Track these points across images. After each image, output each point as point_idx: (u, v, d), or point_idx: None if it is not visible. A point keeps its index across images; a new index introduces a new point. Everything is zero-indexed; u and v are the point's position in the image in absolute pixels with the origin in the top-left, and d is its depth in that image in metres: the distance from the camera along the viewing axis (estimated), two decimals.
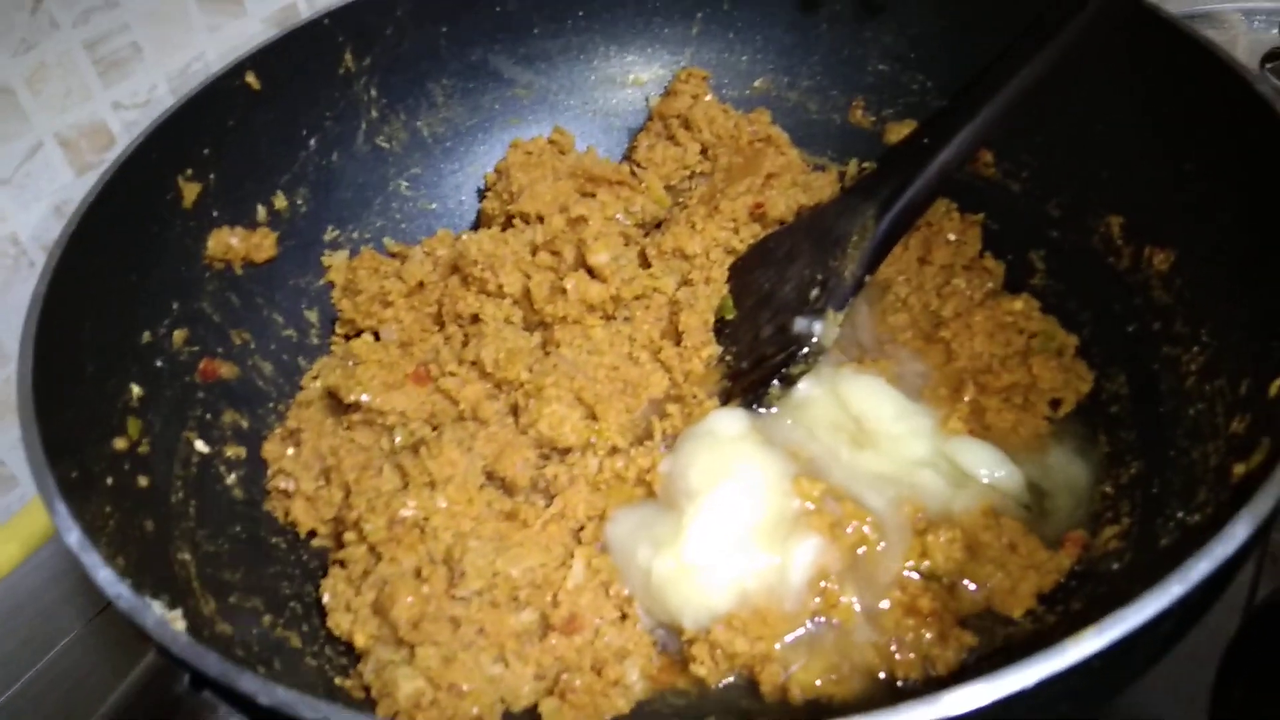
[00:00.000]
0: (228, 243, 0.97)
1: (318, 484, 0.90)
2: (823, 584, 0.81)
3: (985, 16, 1.02)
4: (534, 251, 1.00)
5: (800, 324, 0.94)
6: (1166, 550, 0.73)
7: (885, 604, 0.80)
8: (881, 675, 0.78)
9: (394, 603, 0.76)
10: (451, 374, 0.94)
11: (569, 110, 1.21)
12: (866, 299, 1.02)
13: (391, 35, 1.09)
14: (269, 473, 0.92)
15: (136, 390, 0.84)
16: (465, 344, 0.97)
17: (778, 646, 0.79)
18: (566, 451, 0.91)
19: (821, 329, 0.94)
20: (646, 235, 1.10)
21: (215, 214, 0.97)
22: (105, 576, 0.59)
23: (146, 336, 0.88)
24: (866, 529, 0.82)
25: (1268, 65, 1.25)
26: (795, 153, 1.14)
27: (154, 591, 0.64)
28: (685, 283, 1.02)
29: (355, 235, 1.11)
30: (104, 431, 0.79)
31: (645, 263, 1.05)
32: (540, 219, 1.04)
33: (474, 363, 0.94)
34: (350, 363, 0.97)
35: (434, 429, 0.92)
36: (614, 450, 0.91)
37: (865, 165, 1.15)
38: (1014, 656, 0.51)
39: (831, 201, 1.07)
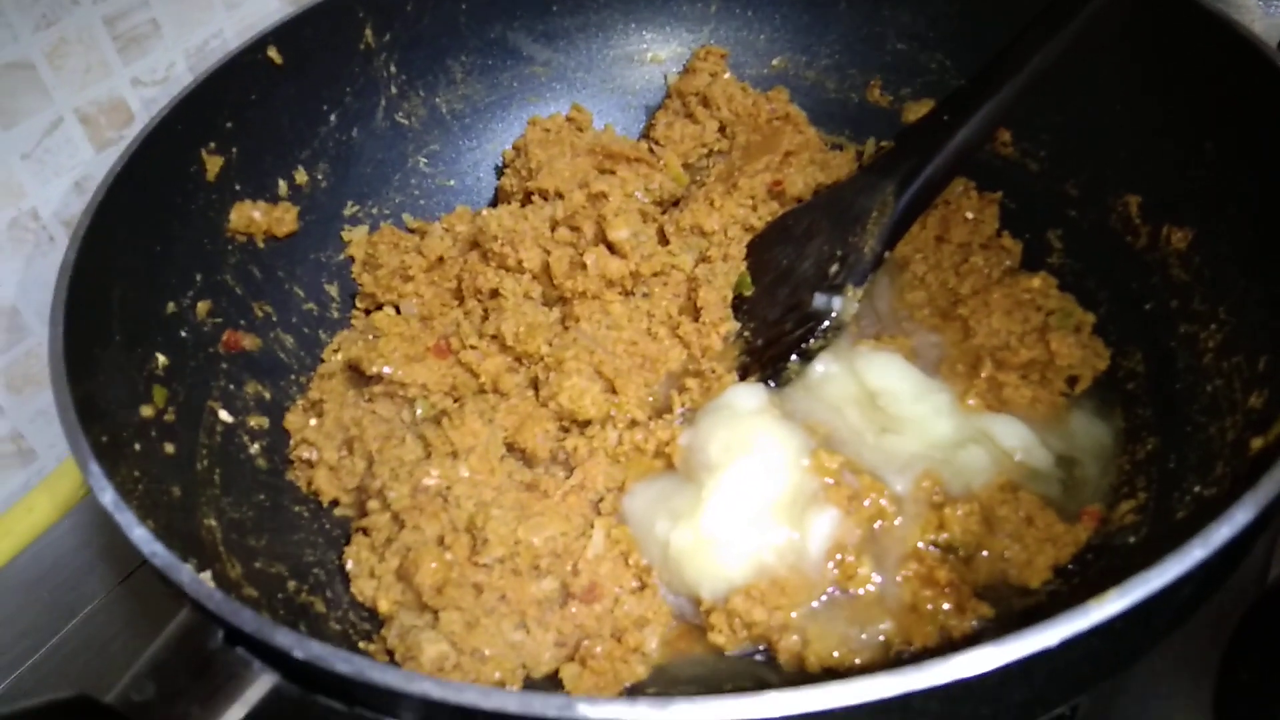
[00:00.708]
0: (250, 216, 0.98)
1: (340, 454, 0.90)
2: (840, 556, 0.81)
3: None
4: (553, 227, 1.01)
5: (819, 300, 0.95)
6: (1183, 523, 0.74)
7: (902, 575, 0.81)
8: (898, 645, 0.79)
9: (418, 569, 0.77)
10: (472, 347, 0.94)
11: (587, 88, 1.22)
12: (884, 276, 1.02)
13: (412, 11, 1.09)
14: (292, 443, 0.93)
15: (162, 359, 0.85)
16: (485, 318, 0.98)
17: (795, 616, 0.80)
18: (586, 424, 0.91)
19: (840, 305, 0.94)
20: (664, 212, 1.11)
21: (237, 187, 0.98)
22: (140, 535, 0.60)
23: (171, 307, 0.89)
24: (884, 502, 0.83)
25: None
26: (813, 131, 1.14)
27: (182, 555, 0.65)
28: (703, 259, 1.03)
29: (374, 211, 1.12)
30: (131, 399, 0.80)
31: (663, 239, 1.05)
32: (559, 195, 1.05)
33: (494, 336, 0.95)
34: (371, 336, 0.98)
35: (455, 401, 0.93)
36: (633, 423, 0.91)
37: (883, 144, 1.15)
38: (1030, 626, 0.51)
39: (850, 178, 1.08)
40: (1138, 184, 0.95)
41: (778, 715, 0.49)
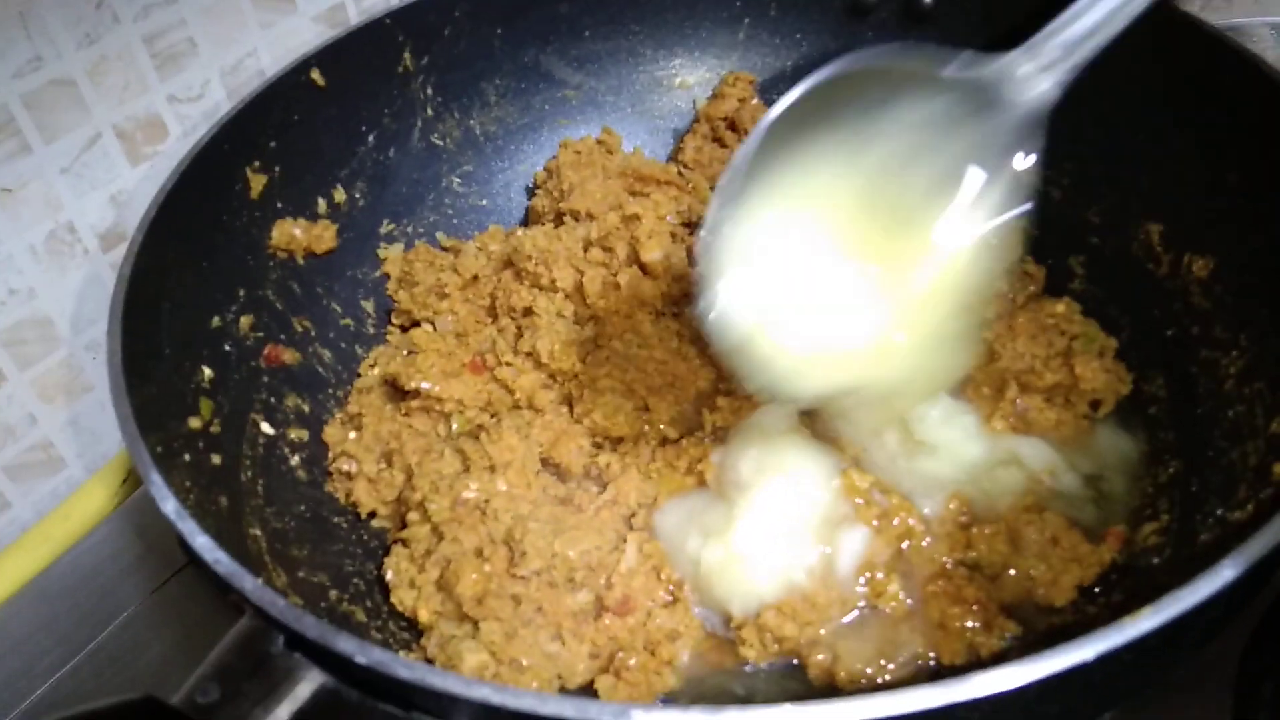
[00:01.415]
0: (291, 233, 1.00)
1: (379, 466, 0.92)
2: (870, 574, 0.83)
3: (1028, 33, 1.04)
4: (586, 248, 1.03)
5: None
6: (1206, 544, 0.76)
7: (930, 593, 0.82)
8: (927, 661, 0.80)
9: (459, 579, 0.79)
10: (508, 364, 0.96)
11: (617, 111, 1.24)
12: None
13: (449, 35, 1.12)
14: (331, 455, 0.95)
15: (208, 372, 0.87)
16: (519, 335, 1.00)
17: (824, 632, 0.82)
18: (619, 441, 0.93)
19: None
20: (692, 234, 1.13)
21: (279, 205, 1.01)
22: (203, 543, 0.62)
23: (216, 321, 0.91)
24: (913, 521, 0.85)
25: None
26: None
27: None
28: None
29: (409, 229, 1.14)
30: (181, 410, 0.82)
31: (693, 261, 1.08)
32: (590, 216, 1.07)
33: (529, 353, 0.97)
34: (407, 351, 1.00)
35: (492, 416, 0.95)
36: (665, 441, 0.93)
37: None
38: (1057, 644, 0.53)
39: None
40: (1159, 213, 0.97)
41: None
